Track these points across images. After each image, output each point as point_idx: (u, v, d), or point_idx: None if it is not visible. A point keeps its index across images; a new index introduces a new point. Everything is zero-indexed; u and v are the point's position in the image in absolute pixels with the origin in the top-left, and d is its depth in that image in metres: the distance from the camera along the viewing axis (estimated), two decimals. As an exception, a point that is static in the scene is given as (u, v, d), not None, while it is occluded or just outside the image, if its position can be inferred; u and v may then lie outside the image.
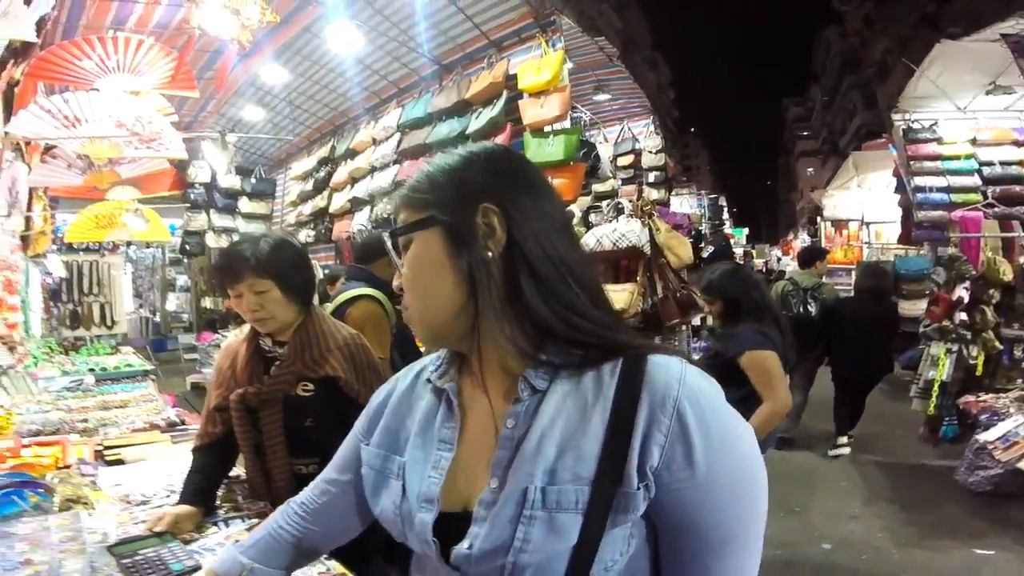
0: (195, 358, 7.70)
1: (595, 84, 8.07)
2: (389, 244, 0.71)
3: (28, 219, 4.56)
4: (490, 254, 0.63)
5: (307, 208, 8.63)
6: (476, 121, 5.63)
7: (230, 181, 8.82)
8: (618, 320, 0.69)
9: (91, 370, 4.32)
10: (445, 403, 0.71)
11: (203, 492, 1.53)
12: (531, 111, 5.21)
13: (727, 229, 18.91)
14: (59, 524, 1.38)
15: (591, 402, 0.60)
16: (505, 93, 5.47)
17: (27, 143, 3.84)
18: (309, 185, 8.64)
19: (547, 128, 5.21)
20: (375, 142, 7.16)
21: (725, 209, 21.77)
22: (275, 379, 1.51)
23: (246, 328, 1.64)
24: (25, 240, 4.65)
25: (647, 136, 8.75)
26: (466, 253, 0.64)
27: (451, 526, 0.63)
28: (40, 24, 2.96)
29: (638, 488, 0.56)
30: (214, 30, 3.31)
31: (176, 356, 8.60)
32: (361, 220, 7.26)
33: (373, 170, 7.15)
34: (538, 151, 5.01)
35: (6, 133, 3.13)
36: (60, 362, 4.77)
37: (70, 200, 5.35)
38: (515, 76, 5.39)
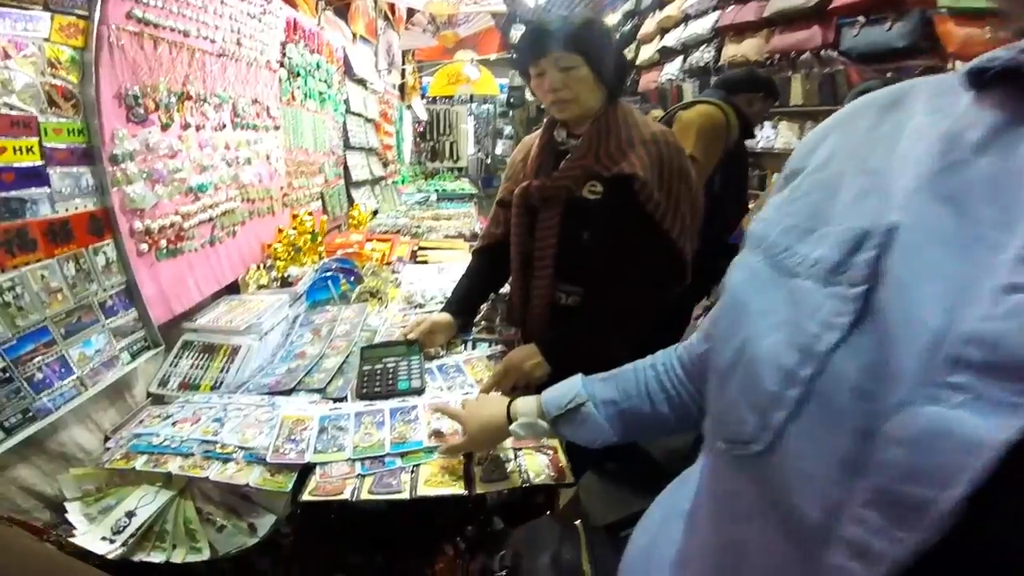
0: (511, 194, 8.27)
1: None
2: None
3: (403, 72, 5.29)
4: None
5: (614, 60, 7.76)
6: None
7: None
8: None
9: (436, 190, 4.88)
10: None
11: (466, 302, 1.33)
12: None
13: None
14: (345, 316, 1.34)
15: None
16: None
17: (392, 12, 4.27)
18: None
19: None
20: (687, -10, 5.66)
21: None
22: (562, 172, 1.13)
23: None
24: (402, 91, 5.51)
25: None
26: None
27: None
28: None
29: None
30: None
31: (497, 192, 9.40)
32: (671, 70, 6.16)
33: (686, 19, 5.77)
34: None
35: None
36: (419, 185, 5.57)
37: (429, 63, 6.35)
38: None
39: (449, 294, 1.39)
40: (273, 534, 0.78)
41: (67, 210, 0.94)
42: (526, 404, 0.77)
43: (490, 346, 1.25)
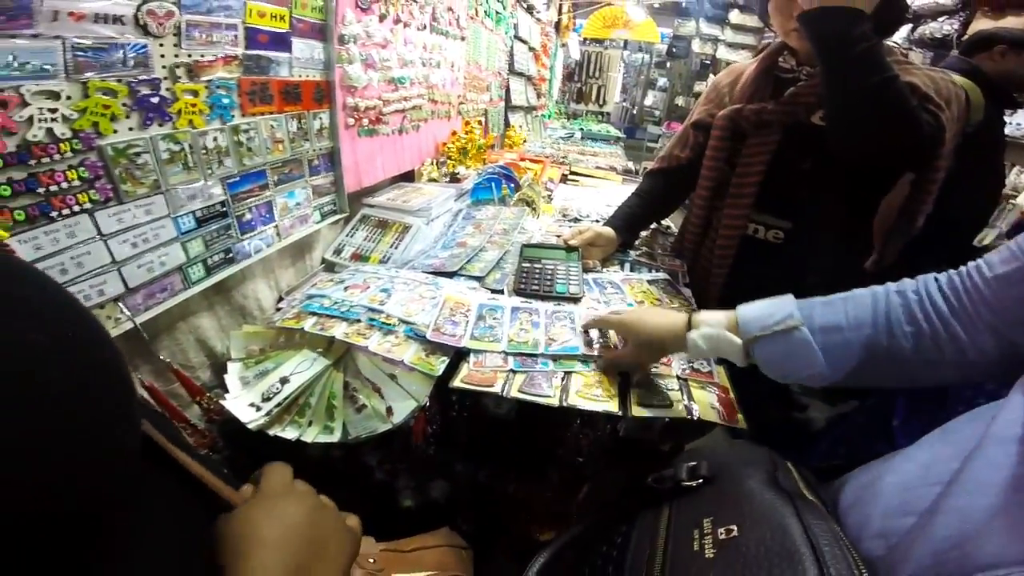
0: (655, 146, 7.53)
1: None
2: None
3: (559, 9, 4.85)
4: None
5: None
6: None
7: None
8: None
9: (580, 129, 4.54)
10: None
11: (631, 220, 1.11)
12: None
13: None
14: (505, 216, 1.21)
15: None
16: None
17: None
18: None
19: None
20: None
21: None
22: (793, 96, 0.88)
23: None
24: (557, 28, 5.04)
25: None
26: None
27: None
28: None
29: None
30: None
31: (640, 144, 8.57)
32: (893, 39, 4.62)
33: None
34: None
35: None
36: (563, 123, 5.22)
37: (585, 5, 5.89)
38: None
39: (606, 216, 1.17)
40: (387, 433, 0.67)
41: (300, 76, 0.93)
42: (714, 315, 0.57)
43: (650, 271, 1.02)
